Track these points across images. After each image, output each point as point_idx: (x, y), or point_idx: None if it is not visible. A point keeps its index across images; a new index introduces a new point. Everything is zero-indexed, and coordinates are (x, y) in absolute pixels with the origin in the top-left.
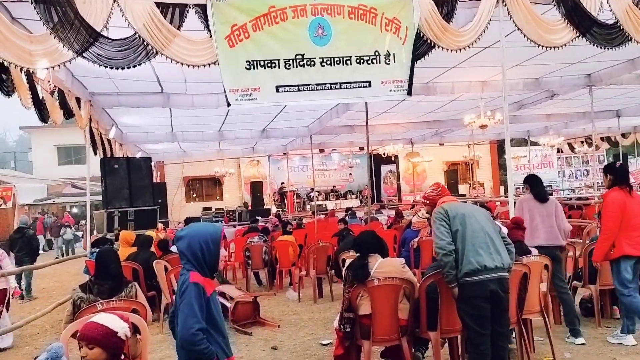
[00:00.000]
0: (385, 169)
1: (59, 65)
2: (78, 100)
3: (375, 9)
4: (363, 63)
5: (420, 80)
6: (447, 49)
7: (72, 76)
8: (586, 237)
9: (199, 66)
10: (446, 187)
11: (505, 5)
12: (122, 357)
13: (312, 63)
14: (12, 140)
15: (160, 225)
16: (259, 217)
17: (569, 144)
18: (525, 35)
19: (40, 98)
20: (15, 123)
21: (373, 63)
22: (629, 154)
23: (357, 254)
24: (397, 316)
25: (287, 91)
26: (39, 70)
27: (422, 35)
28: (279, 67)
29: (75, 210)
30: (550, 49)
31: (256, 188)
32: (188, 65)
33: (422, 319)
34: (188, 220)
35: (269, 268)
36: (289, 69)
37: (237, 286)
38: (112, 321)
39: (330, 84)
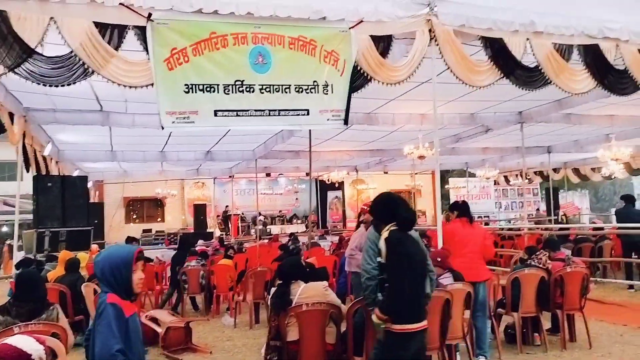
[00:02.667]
0: (331, 195)
1: None
2: (11, 114)
3: (315, 41)
4: (302, 92)
5: (363, 110)
6: (383, 83)
7: (6, 90)
8: (512, 265)
9: (135, 87)
10: None
11: (438, 44)
12: None
13: (252, 89)
14: None
15: (94, 247)
16: (202, 240)
17: (505, 177)
18: (454, 74)
19: None
20: None
21: (311, 92)
22: (561, 188)
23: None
24: (324, 341)
25: (226, 116)
26: None
27: (359, 68)
28: (218, 92)
29: (5, 229)
30: (479, 88)
31: (199, 211)
32: (125, 86)
33: (349, 343)
34: (129, 239)
35: (206, 293)
36: (228, 94)
37: (169, 311)
38: (26, 343)
39: (270, 110)
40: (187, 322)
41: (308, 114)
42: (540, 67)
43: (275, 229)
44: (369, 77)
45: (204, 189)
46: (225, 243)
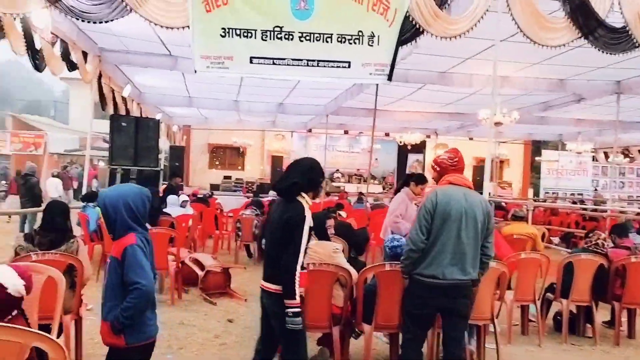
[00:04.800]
0: (412, 157)
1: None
2: (85, 54)
3: None
4: (345, 42)
5: (436, 69)
6: (436, 36)
7: (79, 29)
8: None
9: (172, 28)
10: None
11: None
12: (15, 312)
13: (291, 37)
14: (60, 90)
15: (165, 187)
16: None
17: (605, 153)
18: (520, 30)
19: (38, 48)
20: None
21: (355, 43)
22: None
23: None
24: (329, 304)
25: (262, 63)
26: (34, 18)
27: (411, 19)
28: (255, 38)
29: (102, 163)
30: (553, 48)
31: (276, 162)
32: (161, 26)
33: (358, 310)
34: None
35: (259, 241)
36: (266, 40)
37: (213, 256)
38: (4, 276)
39: (308, 60)
40: (225, 268)
41: (349, 66)
42: (627, 28)
43: (350, 187)
44: (421, 29)
45: (284, 141)
46: None
